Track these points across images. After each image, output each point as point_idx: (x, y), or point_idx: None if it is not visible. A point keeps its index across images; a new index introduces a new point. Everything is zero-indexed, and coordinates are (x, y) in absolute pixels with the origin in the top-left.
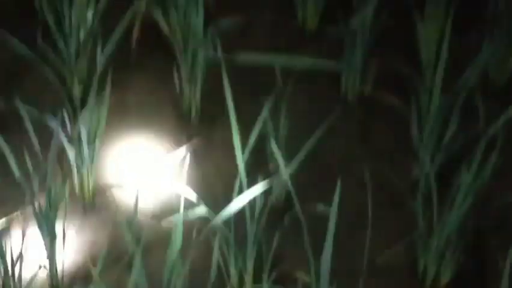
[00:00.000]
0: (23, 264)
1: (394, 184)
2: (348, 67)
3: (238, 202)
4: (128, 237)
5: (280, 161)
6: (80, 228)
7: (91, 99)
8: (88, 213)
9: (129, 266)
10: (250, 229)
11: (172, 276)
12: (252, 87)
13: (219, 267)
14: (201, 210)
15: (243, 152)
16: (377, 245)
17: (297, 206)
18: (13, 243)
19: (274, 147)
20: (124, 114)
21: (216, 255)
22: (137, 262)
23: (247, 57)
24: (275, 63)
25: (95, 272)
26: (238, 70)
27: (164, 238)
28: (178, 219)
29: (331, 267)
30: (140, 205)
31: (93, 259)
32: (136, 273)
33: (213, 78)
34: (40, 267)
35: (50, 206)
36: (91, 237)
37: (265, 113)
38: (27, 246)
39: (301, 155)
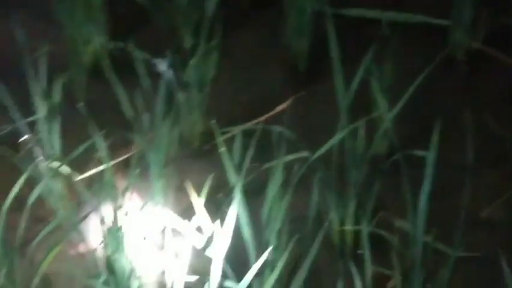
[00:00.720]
0: (131, 203)
1: (498, 137)
2: (456, 21)
3: (335, 141)
4: (232, 180)
5: (383, 105)
6: (186, 172)
7: (201, 47)
8: (195, 158)
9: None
10: (351, 174)
11: (271, 216)
12: (358, 41)
13: (318, 211)
14: (302, 152)
15: (345, 98)
16: (480, 198)
17: (398, 153)
18: (120, 184)
19: (377, 92)
20: (232, 64)
21: (315, 195)
22: (239, 201)
23: (354, 11)
24: (382, 16)
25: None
26: (345, 24)
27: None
28: (279, 160)
29: (431, 218)
30: (244, 150)
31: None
32: (240, 213)
33: (321, 31)
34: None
35: (158, 149)
36: (196, 180)
37: (369, 57)
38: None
39: (403, 100)
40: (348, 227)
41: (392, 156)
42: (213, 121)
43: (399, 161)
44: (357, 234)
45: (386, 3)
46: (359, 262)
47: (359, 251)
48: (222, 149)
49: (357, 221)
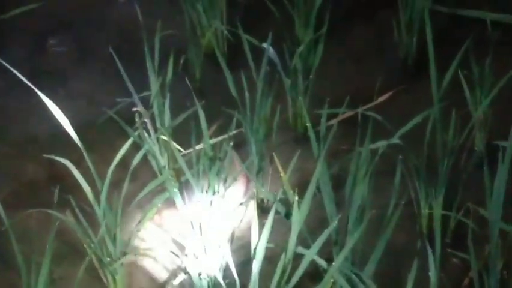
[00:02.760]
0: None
1: None
2: None
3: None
4: (322, 168)
5: (475, 98)
6: (289, 157)
7: (309, 37)
8: (299, 143)
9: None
10: (441, 167)
11: (353, 196)
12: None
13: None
14: (394, 140)
15: (438, 91)
16: None
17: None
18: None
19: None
20: (340, 54)
21: (397, 177)
22: (320, 173)
23: (461, 11)
24: (486, 16)
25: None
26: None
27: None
28: (365, 146)
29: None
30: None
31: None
32: (322, 184)
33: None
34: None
35: (261, 132)
36: (300, 166)
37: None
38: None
39: (493, 92)
40: (437, 212)
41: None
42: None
43: (489, 153)
44: (442, 221)
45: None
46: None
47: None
48: (310, 129)
49: (444, 209)
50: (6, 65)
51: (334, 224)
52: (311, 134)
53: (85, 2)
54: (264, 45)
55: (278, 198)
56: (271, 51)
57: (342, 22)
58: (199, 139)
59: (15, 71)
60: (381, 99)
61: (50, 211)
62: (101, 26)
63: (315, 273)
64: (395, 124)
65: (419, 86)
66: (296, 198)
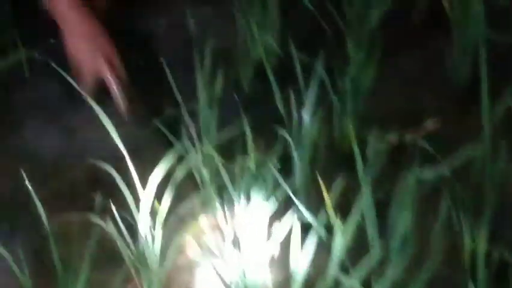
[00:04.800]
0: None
1: None
2: None
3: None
4: (367, 194)
5: None
6: (333, 179)
7: (360, 57)
8: (344, 165)
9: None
10: (488, 195)
11: (397, 222)
12: None
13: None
14: (441, 169)
15: (490, 122)
16: None
17: None
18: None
19: None
20: (391, 77)
21: (444, 209)
22: (366, 200)
23: None
24: None
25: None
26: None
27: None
28: (413, 170)
29: None
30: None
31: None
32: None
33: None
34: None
35: (306, 151)
36: (343, 188)
37: None
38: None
39: None
40: (481, 249)
41: None
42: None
43: None
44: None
45: None
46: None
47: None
48: (356, 151)
49: (488, 244)
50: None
51: (377, 253)
52: (357, 157)
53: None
54: (311, 60)
55: (320, 221)
56: (318, 67)
57: (396, 44)
58: (243, 154)
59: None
60: (429, 126)
61: (91, 216)
62: (151, 37)
63: None
64: (441, 153)
65: (470, 117)
66: (338, 222)
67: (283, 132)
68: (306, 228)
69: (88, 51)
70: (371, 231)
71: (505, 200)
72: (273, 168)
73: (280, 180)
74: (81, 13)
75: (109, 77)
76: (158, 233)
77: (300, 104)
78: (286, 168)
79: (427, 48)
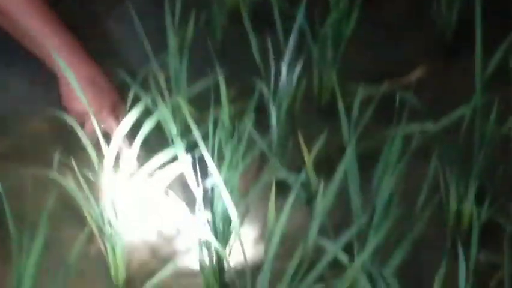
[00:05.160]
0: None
1: None
2: None
3: (461, 113)
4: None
5: None
6: (305, 126)
7: (342, 3)
8: (318, 114)
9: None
10: (477, 153)
11: (382, 183)
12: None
13: (436, 185)
14: (427, 125)
15: (482, 75)
16: None
17: None
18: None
19: None
20: (373, 25)
21: (432, 168)
22: (350, 159)
23: None
24: None
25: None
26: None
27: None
28: (399, 126)
29: None
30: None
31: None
32: (349, 172)
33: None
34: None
35: (284, 104)
36: (313, 135)
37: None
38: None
39: None
40: (466, 208)
41: None
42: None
43: None
44: (471, 217)
45: None
46: (468, 248)
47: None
48: (340, 105)
49: (475, 204)
50: None
51: (360, 216)
52: (341, 111)
53: None
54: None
55: (300, 181)
56: (299, 15)
57: None
58: (216, 107)
59: None
60: (415, 76)
61: (50, 174)
62: None
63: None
64: (428, 105)
65: (457, 66)
66: (321, 183)
67: (260, 83)
68: (284, 188)
69: (91, 103)
70: (354, 193)
71: (495, 160)
72: (248, 122)
73: (256, 136)
74: (76, 52)
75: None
76: (123, 190)
77: (277, 53)
78: (262, 121)
79: None
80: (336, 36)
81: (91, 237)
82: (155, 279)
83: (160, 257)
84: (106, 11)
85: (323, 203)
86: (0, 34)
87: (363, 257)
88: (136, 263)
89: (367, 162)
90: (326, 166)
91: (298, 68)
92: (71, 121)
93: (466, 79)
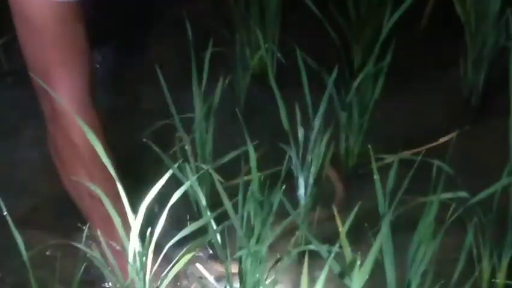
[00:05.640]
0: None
1: None
2: None
3: (499, 186)
4: (381, 209)
5: None
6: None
7: (368, 68)
8: (347, 180)
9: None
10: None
11: (417, 255)
12: None
13: (471, 255)
14: (461, 192)
15: None
16: None
17: None
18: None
19: None
20: (400, 89)
21: (468, 241)
22: (385, 233)
23: None
24: None
25: None
26: None
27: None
28: (434, 196)
29: None
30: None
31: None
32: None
33: (500, 68)
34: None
35: (313, 171)
36: (343, 205)
37: None
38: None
39: None
40: (500, 280)
41: None
42: (369, 147)
43: None
44: None
45: None
46: None
47: None
48: (376, 177)
49: (510, 275)
50: None
51: None
52: (377, 182)
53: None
54: (320, 69)
55: (333, 253)
56: (326, 76)
57: (406, 52)
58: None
59: None
60: (442, 140)
61: (75, 244)
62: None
63: None
64: (458, 171)
65: (486, 131)
66: (358, 259)
67: (290, 151)
68: (314, 259)
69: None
70: (389, 265)
71: None
72: (279, 193)
73: (288, 206)
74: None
75: None
76: (149, 263)
77: (304, 119)
78: (289, 187)
79: (440, 56)
80: (361, 103)
81: None
82: None
83: None
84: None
85: (359, 277)
86: None
87: None
88: None
89: (401, 231)
90: (356, 235)
91: (327, 135)
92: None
93: (494, 143)
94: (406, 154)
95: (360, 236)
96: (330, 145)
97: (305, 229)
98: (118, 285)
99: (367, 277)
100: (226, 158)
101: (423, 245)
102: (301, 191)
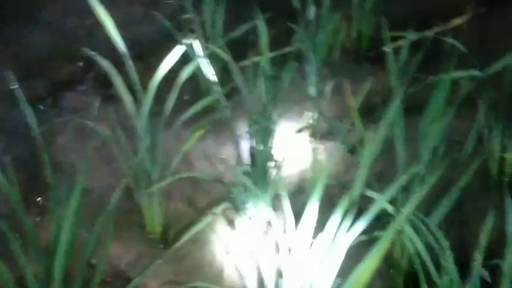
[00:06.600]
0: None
1: None
2: None
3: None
4: (393, 84)
5: None
6: (345, 74)
7: None
8: (358, 62)
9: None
10: None
11: (428, 132)
12: None
13: (480, 136)
14: (472, 71)
15: None
16: None
17: None
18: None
19: None
20: None
21: (480, 116)
22: (397, 108)
23: None
24: None
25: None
26: None
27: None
28: (446, 73)
29: None
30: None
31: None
32: (395, 121)
33: None
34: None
35: (320, 45)
36: (354, 84)
37: None
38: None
39: None
40: (509, 155)
41: None
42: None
43: None
44: None
45: None
46: None
47: None
48: (387, 49)
49: None
50: None
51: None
52: (390, 58)
53: None
54: None
55: (346, 129)
56: None
57: None
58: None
59: None
60: (456, 22)
61: (88, 122)
62: None
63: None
64: (471, 50)
65: (501, 13)
66: (369, 132)
67: (299, 31)
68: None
69: None
70: (400, 142)
71: None
72: (291, 67)
73: (299, 81)
74: None
75: None
76: (160, 138)
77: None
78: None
79: None
80: None
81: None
82: (191, 232)
83: (197, 210)
84: None
85: (369, 151)
86: None
87: (409, 207)
88: (172, 215)
89: (412, 109)
90: (368, 114)
91: (337, 15)
92: (106, 64)
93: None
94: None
95: (370, 117)
96: (341, 28)
97: (316, 103)
98: (129, 165)
99: (376, 151)
100: (236, 33)
101: (434, 122)
102: (311, 66)
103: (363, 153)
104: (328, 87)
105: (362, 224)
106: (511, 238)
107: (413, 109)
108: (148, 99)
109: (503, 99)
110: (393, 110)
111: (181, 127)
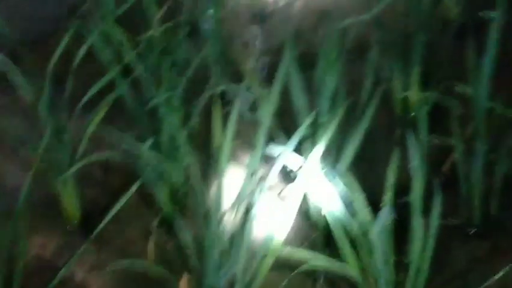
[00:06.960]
0: None
1: None
2: None
3: None
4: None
5: None
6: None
7: None
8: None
9: None
10: (416, 37)
11: (324, 79)
12: None
13: (377, 77)
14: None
15: None
16: None
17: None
18: None
19: None
20: None
21: (373, 56)
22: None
23: None
24: None
25: None
26: None
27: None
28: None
29: (498, 84)
30: None
31: None
32: (290, 74)
33: None
34: None
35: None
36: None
37: None
38: None
39: None
40: (412, 93)
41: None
42: None
43: (467, 26)
44: (418, 102)
45: None
46: (418, 132)
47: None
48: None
49: (420, 89)
50: None
51: (306, 117)
52: (278, 15)
53: None
54: None
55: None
56: None
57: None
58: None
59: None
60: None
61: None
62: None
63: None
64: None
65: None
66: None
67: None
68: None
69: None
70: (297, 93)
71: (434, 40)
72: (183, 38)
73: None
74: None
75: None
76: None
77: None
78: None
79: None
80: None
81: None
82: (110, 214)
83: (111, 192)
84: None
85: (267, 107)
86: None
87: (314, 156)
88: (89, 199)
89: (306, 62)
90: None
91: None
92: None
93: None
94: None
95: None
96: None
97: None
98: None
99: (275, 105)
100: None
101: (328, 68)
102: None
103: (262, 110)
104: None
105: (270, 180)
106: (415, 172)
107: (307, 67)
108: (45, 84)
109: (400, 39)
110: (285, 63)
111: (89, 112)
